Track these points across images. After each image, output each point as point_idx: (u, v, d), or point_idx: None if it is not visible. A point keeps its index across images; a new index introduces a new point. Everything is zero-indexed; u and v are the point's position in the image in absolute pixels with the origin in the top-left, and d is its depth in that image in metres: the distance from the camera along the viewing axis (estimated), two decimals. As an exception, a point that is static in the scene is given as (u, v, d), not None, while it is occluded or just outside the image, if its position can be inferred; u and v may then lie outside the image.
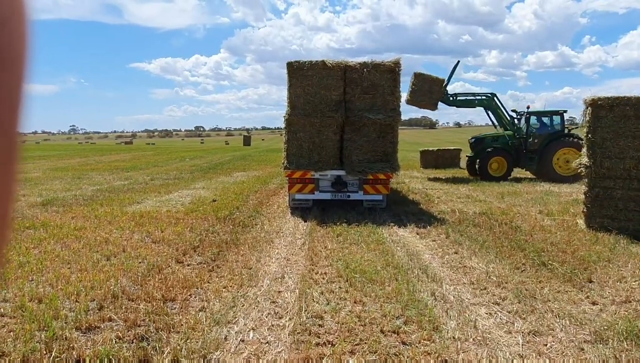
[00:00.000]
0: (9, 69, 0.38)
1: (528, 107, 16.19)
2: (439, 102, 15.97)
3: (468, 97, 16.37)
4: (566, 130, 15.64)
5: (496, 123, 16.28)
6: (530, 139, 15.79)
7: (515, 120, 16.28)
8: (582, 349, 3.60)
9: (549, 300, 4.55)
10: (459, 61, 16.77)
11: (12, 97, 0.39)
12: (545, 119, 16.19)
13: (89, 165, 23.01)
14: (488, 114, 16.29)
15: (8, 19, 0.38)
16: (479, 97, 16.31)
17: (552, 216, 8.97)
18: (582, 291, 4.83)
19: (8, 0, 0.39)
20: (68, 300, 4.42)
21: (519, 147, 15.92)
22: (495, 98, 16.11)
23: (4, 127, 0.38)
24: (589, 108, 7.77)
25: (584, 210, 7.98)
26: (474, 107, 16.40)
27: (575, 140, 15.17)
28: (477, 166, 16.15)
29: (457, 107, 16.29)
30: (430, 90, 15.48)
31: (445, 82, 15.83)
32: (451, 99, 16.04)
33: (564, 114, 15.90)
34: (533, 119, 16.00)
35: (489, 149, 15.80)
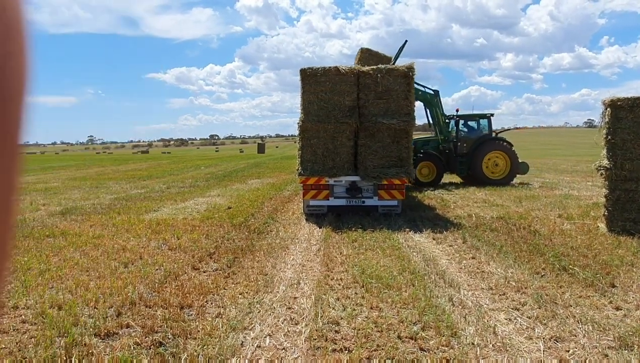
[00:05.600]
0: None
1: (457, 110, 15.91)
2: None
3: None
4: (493, 134, 15.75)
5: (432, 122, 15.68)
6: (459, 143, 15.53)
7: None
8: (606, 355, 3.50)
9: (571, 306, 4.45)
10: (406, 41, 15.60)
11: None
12: (474, 123, 15.97)
13: (107, 174, 23.37)
14: (426, 112, 15.61)
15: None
16: (424, 90, 15.44)
17: (572, 220, 8.80)
18: (604, 296, 4.71)
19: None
20: (87, 307, 4.47)
21: (450, 152, 15.57)
22: (438, 96, 15.50)
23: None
24: (608, 109, 7.63)
25: (605, 213, 7.81)
26: (415, 100, 15.85)
27: (504, 143, 15.21)
28: None
29: None
30: None
31: (393, 61, 14.90)
32: None
33: (491, 117, 15.84)
34: (462, 123, 15.78)
35: (419, 154, 15.17)
